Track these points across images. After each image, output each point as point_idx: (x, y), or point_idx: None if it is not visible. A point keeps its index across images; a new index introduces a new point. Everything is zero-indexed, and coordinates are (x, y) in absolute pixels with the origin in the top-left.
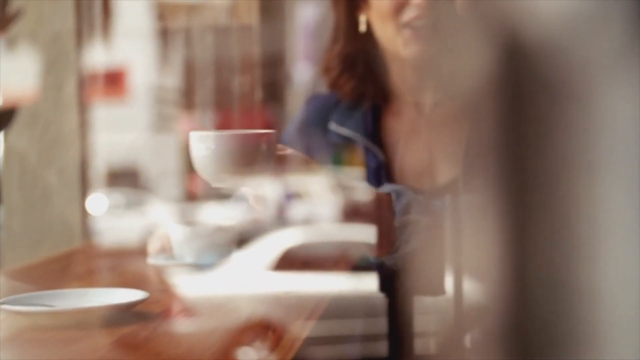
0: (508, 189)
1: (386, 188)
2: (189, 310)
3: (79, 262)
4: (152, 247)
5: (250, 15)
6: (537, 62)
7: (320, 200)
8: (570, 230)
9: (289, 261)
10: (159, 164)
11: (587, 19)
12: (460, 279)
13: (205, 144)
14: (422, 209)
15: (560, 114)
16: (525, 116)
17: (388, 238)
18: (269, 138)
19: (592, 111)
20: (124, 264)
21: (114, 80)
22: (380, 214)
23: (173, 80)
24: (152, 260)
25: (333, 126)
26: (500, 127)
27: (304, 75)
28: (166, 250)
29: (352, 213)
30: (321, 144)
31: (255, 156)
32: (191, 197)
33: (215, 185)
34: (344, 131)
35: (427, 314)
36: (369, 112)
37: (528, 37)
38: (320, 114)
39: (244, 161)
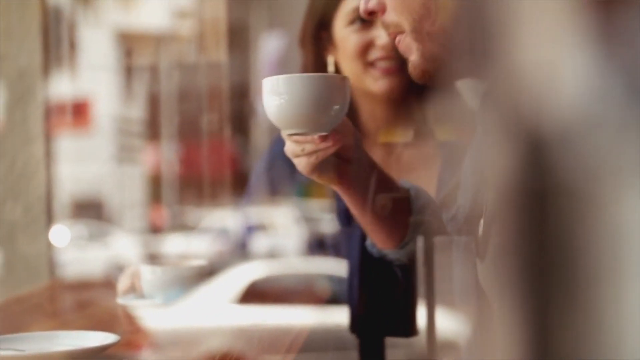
0: (530, 290)
1: (406, 184)
2: (158, 347)
3: (46, 302)
4: (122, 286)
5: (219, 52)
6: (559, 168)
7: (285, 233)
8: (593, 334)
9: (254, 294)
10: (123, 195)
11: (610, 126)
12: (433, 318)
13: (278, 95)
14: (436, 213)
15: (582, 218)
16: (547, 220)
17: (399, 232)
18: (344, 81)
19: (613, 216)
20: (93, 302)
21: (79, 112)
22: (396, 207)
23: (138, 111)
24: (122, 299)
25: None
26: (522, 229)
27: None
28: (136, 289)
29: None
30: (288, 183)
31: (330, 99)
32: (155, 228)
33: (288, 132)
34: None
35: (398, 347)
36: None
37: (551, 143)
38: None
39: (319, 104)
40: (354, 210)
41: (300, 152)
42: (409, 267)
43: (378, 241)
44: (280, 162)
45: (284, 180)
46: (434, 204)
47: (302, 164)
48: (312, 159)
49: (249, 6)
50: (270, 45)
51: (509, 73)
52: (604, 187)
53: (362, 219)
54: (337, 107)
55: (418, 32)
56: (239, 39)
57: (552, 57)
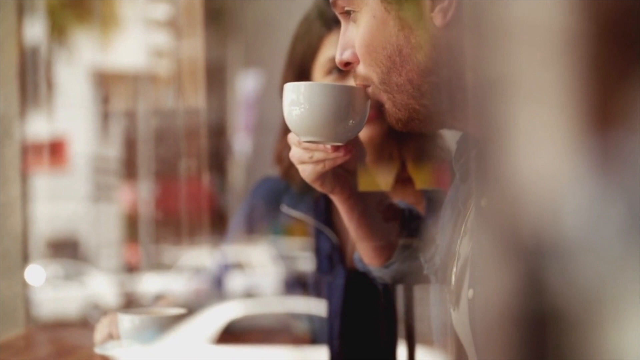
0: None
1: (402, 205)
2: None
3: (22, 352)
4: (99, 335)
5: (197, 95)
6: (558, 292)
7: (262, 271)
8: None
9: (232, 334)
10: (99, 234)
11: (610, 251)
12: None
13: (299, 102)
14: (427, 238)
15: (581, 344)
16: (546, 345)
17: (386, 251)
18: (366, 94)
19: (613, 343)
20: (71, 347)
21: (55, 150)
22: (388, 225)
23: (114, 150)
24: (99, 349)
25: (284, 209)
26: (521, 355)
27: (244, 145)
28: (114, 338)
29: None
30: (268, 225)
31: (351, 110)
32: (130, 267)
33: (305, 139)
34: (296, 214)
35: None
36: (321, 197)
37: (550, 267)
38: (270, 197)
39: (339, 114)
40: (348, 222)
41: (308, 159)
42: (391, 289)
43: (365, 256)
44: (261, 206)
45: (264, 223)
46: (426, 229)
47: (306, 171)
48: (319, 167)
49: (226, 45)
50: (248, 84)
51: (507, 195)
52: (603, 314)
53: (354, 231)
54: (356, 118)
55: (387, 84)
56: (216, 77)
57: (552, 181)
